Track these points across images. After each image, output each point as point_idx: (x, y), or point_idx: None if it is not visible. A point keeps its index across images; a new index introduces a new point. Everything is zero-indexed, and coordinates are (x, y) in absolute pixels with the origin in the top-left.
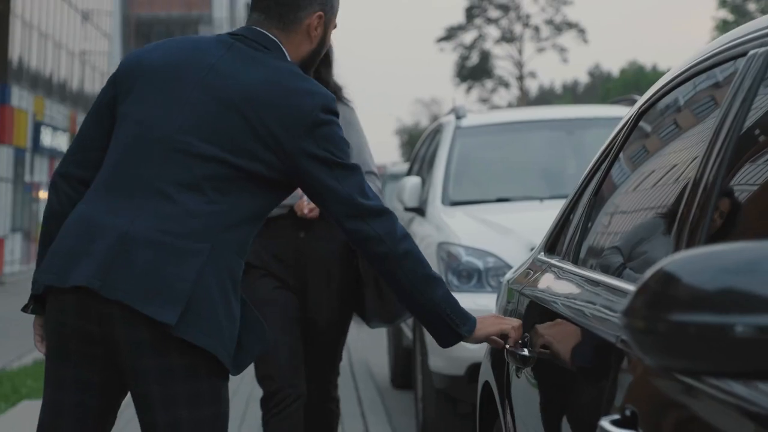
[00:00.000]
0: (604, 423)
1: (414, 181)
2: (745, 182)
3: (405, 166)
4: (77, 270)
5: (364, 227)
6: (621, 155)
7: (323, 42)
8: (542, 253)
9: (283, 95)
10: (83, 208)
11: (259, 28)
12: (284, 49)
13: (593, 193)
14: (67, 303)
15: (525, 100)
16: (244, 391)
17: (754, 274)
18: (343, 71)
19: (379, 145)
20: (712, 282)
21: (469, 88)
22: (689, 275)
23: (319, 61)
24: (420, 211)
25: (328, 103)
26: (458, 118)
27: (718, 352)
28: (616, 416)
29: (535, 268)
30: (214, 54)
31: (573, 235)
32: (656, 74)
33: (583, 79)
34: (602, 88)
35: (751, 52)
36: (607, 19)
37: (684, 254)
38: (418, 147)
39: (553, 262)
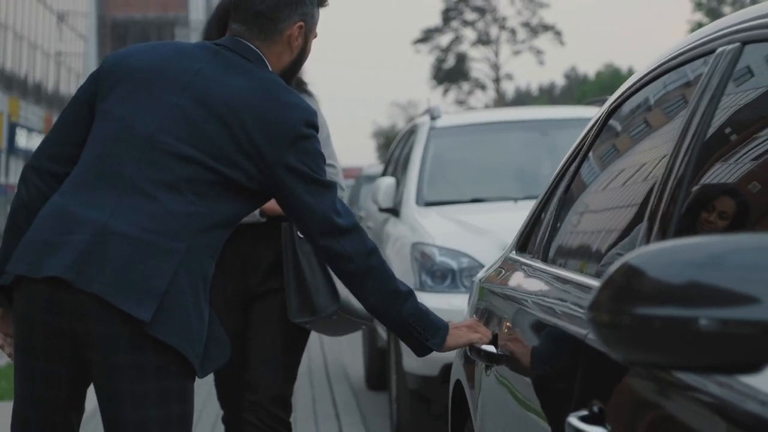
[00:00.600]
0: (572, 420)
1: (388, 181)
2: (714, 179)
3: (381, 168)
4: (52, 261)
5: (335, 245)
6: (591, 154)
7: (304, 51)
8: (514, 252)
9: (267, 106)
10: (59, 200)
11: (240, 39)
12: (266, 60)
13: (563, 192)
14: (37, 295)
15: (501, 102)
16: (203, 391)
17: (719, 268)
18: (319, 74)
19: (355, 147)
20: (678, 276)
21: (446, 91)
22: (654, 269)
23: None
24: (394, 211)
25: (311, 117)
26: (433, 118)
27: (683, 345)
28: (584, 412)
29: (506, 266)
30: (201, 60)
31: (543, 234)
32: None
33: (560, 81)
34: (578, 90)
35: (719, 50)
36: (584, 22)
37: (649, 248)
38: (393, 148)
39: (523, 260)
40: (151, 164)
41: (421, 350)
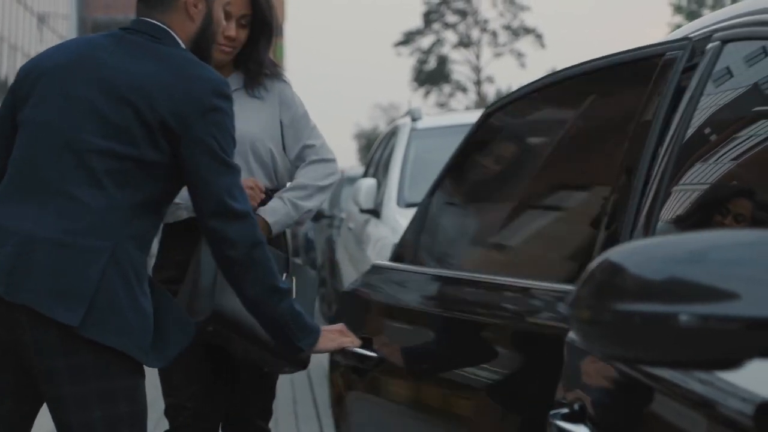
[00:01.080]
0: (555, 419)
1: (369, 182)
2: (695, 179)
3: (362, 170)
4: None
5: (223, 228)
6: (475, 159)
7: (209, 19)
8: (395, 261)
9: (174, 83)
10: None
11: (145, 18)
12: (174, 34)
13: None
14: None
15: (483, 104)
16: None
17: (699, 264)
18: (300, 72)
19: (337, 149)
20: (659, 272)
21: (427, 93)
22: (635, 265)
23: (259, 35)
24: (375, 212)
25: (221, 87)
26: (414, 120)
27: (663, 341)
28: (565, 410)
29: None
30: (106, 49)
31: (434, 238)
32: None
33: None
34: None
35: (669, 54)
36: (564, 25)
37: (629, 245)
38: (375, 149)
39: (405, 267)
40: (70, 164)
41: (292, 350)
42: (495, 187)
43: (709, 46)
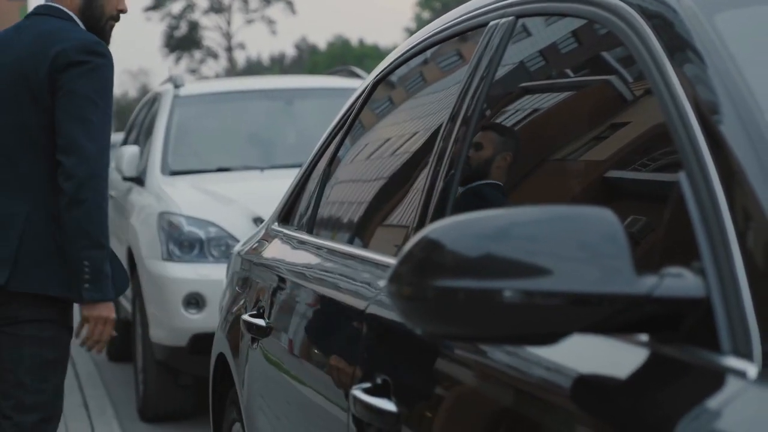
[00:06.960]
0: (357, 392)
1: (132, 150)
2: (494, 149)
3: (117, 137)
4: None
5: (65, 161)
6: (356, 124)
7: None
8: (276, 224)
9: (46, 46)
10: None
11: (47, 2)
12: (68, 11)
13: (328, 163)
14: None
15: (233, 71)
16: None
17: (505, 240)
18: None
19: None
20: (473, 248)
21: (178, 59)
22: (451, 242)
23: None
24: (139, 180)
25: (88, 45)
26: (176, 87)
27: (487, 317)
28: (368, 385)
29: (269, 238)
30: (12, 39)
31: (309, 206)
32: (362, 48)
33: (291, 51)
34: (309, 61)
35: (492, 23)
36: None
37: (445, 221)
38: (135, 115)
39: (289, 232)
40: None
41: (76, 295)
42: (386, 157)
43: (503, 20)
